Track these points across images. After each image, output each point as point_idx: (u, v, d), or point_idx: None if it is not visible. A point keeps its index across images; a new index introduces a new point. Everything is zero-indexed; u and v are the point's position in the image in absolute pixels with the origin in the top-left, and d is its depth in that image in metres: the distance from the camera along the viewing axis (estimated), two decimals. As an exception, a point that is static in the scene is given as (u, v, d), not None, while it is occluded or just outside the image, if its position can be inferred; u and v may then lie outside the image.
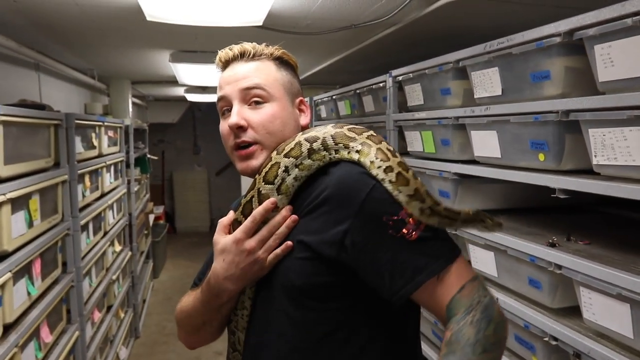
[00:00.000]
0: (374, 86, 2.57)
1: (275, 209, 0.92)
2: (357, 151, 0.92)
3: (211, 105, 7.12)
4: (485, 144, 1.65)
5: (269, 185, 0.93)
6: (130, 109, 4.75)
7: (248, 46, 1.01)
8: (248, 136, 0.96)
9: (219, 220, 0.99)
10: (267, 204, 0.91)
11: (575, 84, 1.32)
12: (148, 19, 1.89)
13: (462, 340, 0.77)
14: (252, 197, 0.94)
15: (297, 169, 0.93)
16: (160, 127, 7.88)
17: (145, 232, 5.18)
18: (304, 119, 1.05)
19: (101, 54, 3.22)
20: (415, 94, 2.15)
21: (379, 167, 0.89)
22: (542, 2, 1.75)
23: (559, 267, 1.31)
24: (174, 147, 8.73)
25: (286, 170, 0.93)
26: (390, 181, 0.86)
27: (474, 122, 1.68)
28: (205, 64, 3.16)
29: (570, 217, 1.83)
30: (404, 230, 0.82)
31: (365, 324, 0.89)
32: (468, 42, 1.84)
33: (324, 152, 0.93)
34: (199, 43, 2.85)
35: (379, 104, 2.63)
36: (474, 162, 1.79)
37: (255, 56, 1.00)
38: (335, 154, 0.93)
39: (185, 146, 8.82)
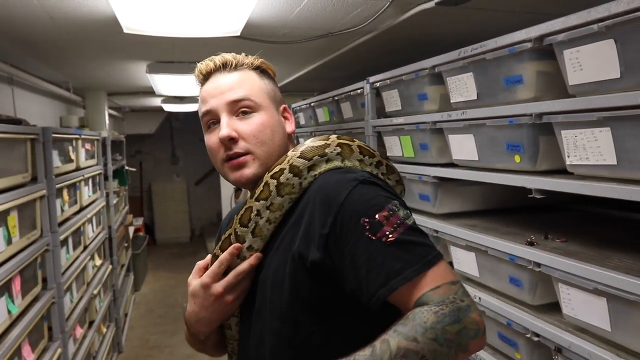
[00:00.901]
0: (351, 93, 2.61)
1: (250, 248, 0.95)
2: (338, 154, 0.94)
3: (188, 115, 7.08)
4: (463, 147, 1.69)
5: (244, 228, 0.95)
6: (107, 121, 4.70)
7: (229, 57, 1.01)
8: (240, 147, 0.96)
9: (197, 263, 1.01)
10: (232, 249, 0.94)
11: (547, 87, 1.37)
12: (125, 31, 1.88)
13: (418, 319, 0.74)
14: (230, 234, 0.97)
15: (268, 211, 0.94)
16: (138, 138, 7.80)
17: (126, 244, 5.12)
18: (290, 126, 1.05)
19: (77, 66, 3.19)
20: (393, 100, 2.18)
21: (370, 164, 0.95)
22: (512, 9, 1.81)
23: (538, 265, 1.35)
24: (152, 157, 8.64)
25: (258, 214, 0.94)
26: (382, 174, 0.92)
27: (451, 126, 1.72)
28: (182, 75, 3.15)
29: (546, 216, 1.89)
30: (380, 233, 0.80)
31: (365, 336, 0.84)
32: (443, 48, 1.89)
33: (295, 179, 0.93)
34: (176, 53, 2.85)
35: (357, 110, 2.66)
36: (452, 165, 1.83)
37: (237, 66, 1.00)
38: (310, 171, 0.94)
39: (163, 157, 8.74)
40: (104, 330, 3.72)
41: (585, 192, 1.18)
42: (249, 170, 0.97)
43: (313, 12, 1.98)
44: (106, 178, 4.14)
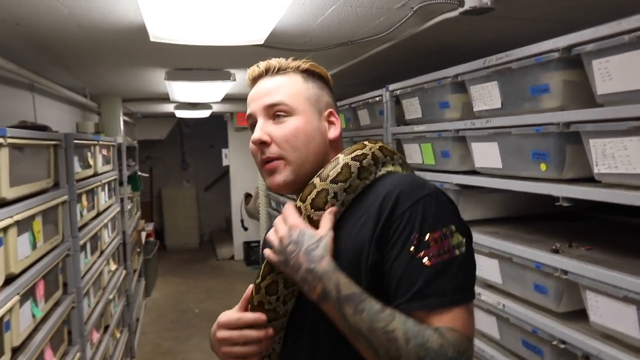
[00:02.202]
0: (369, 100, 2.63)
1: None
2: (400, 164, 0.99)
3: (199, 121, 7.14)
4: (486, 155, 1.70)
5: (319, 212, 0.92)
6: (122, 127, 4.75)
7: (273, 62, 1.02)
8: (271, 152, 0.97)
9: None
10: (259, 318, 0.93)
11: (573, 96, 1.38)
12: (152, 39, 1.92)
13: (426, 334, 0.76)
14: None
15: (345, 194, 0.94)
16: (148, 143, 7.85)
17: (138, 250, 5.15)
18: (333, 132, 1.02)
19: (95, 73, 3.24)
20: (413, 108, 2.20)
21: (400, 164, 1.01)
22: (535, 18, 1.83)
23: (565, 272, 1.36)
24: (162, 163, 8.69)
25: (335, 196, 0.93)
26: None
27: (474, 135, 1.73)
28: (199, 81, 3.19)
29: (568, 224, 1.90)
30: (424, 253, 0.82)
31: None
32: (463, 56, 1.91)
33: (373, 168, 0.95)
34: (195, 60, 2.88)
35: (375, 118, 2.68)
36: (474, 172, 1.84)
37: (279, 71, 1.01)
38: (383, 166, 0.96)
39: (174, 162, 8.79)
40: (118, 335, 3.74)
41: (614, 200, 1.19)
42: (280, 177, 0.97)
43: (336, 21, 2.01)
44: (121, 183, 4.18)
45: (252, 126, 1.02)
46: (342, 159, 0.94)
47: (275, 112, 0.98)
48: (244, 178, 7.11)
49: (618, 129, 1.17)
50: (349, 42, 2.35)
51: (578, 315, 1.44)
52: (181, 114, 5.80)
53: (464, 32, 2.06)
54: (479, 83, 1.69)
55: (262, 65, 1.02)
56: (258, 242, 6.76)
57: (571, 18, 1.89)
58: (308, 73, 1.03)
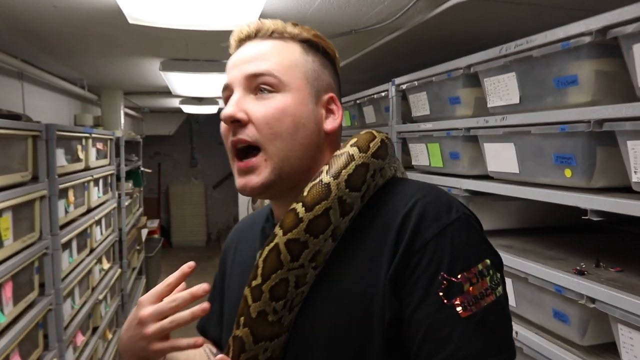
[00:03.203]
0: (375, 96, 2.42)
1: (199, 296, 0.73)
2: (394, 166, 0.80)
3: (209, 117, 6.99)
4: (501, 157, 1.48)
5: (355, 193, 0.71)
6: (123, 121, 4.60)
7: (268, 22, 0.79)
8: (246, 134, 0.74)
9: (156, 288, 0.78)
10: (198, 290, 0.71)
11: (607, 90, 1.16)
12: (130, 21, 1.73)
13: None
14: (327, 207, 0.69)
15: (379, 175, 0.75)
16: (157, 139, 7.74)
17: (138, 247, 5.00)
18: (331, 122, 0.79)
19: (87, 62, 3.07)
20: (420, 104, 1.99)
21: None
22: (562, 4, 1.60)
23: (592, 300, 1.14)
24: (170, 159, 8.57)
25: (373, 175, 0.73)
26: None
27: (487, 134, 1.51)
28: (197, 73, 3.01)
29: (595, 239, 1.66)
30: (457, 301, 0.63)
31: None
32: (477, 49, 1.69)
33: (385, 169, 0.76)
34: (191, 51, 2.70)
35: (381, 115, 2.47)
36: (486, 177, 1.62)
37: (274, 34, 0.78)
38: (389, 168, 0.78)
39: (182, 159, 8.66)
40: (110, 336, 3.58)
41: (658, 216, 0.97)
42: (257, 179, 0.74)
43: (335, 5, 1.80)
44: (118, 179, 4.02)
45: (227, 100, 0.79)
46: (357, 154, 0.72)
47: (258, 85, 0.75)
48: (251, 176, 6.94)
49: (665, 128, 0.94)
50: (352, 30, 2.14)
51: (606, 350, 1.22)
52: (187, 109, 5.65)
53: (476, 20, 1.84)
54: (495, 75, 1.47)
55: (253, 25, 0.79)
56: (264, 242, 6.58)
57: (597, 6, 1.66)
58: (310, 44, 0.80)
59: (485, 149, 1.55)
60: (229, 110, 0.74)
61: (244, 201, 7.20)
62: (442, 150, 1.82)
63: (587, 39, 1.11)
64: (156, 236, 6.51)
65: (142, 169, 5.36)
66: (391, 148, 0.79)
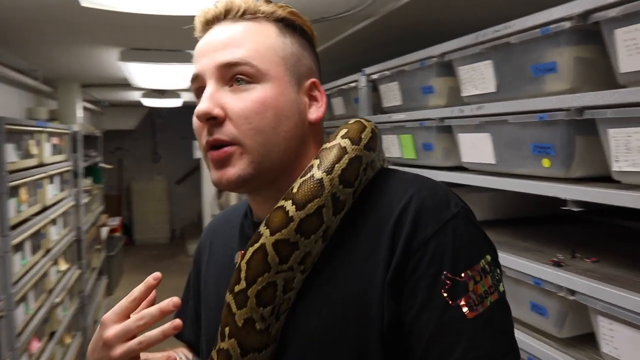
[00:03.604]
0: (344, 86, 2.36)
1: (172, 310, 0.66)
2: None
3: (171, 111, 6.79)
4: (476, 148, 1.45)
5: (349, 189, 0.65)
6: (81, 114, 4.40)
7: (237, 1, 0.70)
8: (224, 132, 0.67)
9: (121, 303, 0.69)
10: (167, 306, 0.64)
11: (586, 77, 1.13)
12: (83, 4, 1.61)
13: None
14: (320, 205, 0.63)
15: (370, 168, 0.69)
16: (118, 134, 7.48)
17: (98, 246, 4.81)
18: (315, 111, 0.72)
19: (42, 52, 2.90)
20: (392, 94, 1.94)
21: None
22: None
23: (572, 292, 1.11)
24: (132, 155, 8.32)
25: (365, 169, 0.67)
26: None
27: (462, 124, 1.48)
28: (160, 63, 2.88)
29: (568, 229, 1.66)
30: (463, 301, 0.59)
31: None
32: (450, 37, 1.65)
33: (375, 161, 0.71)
34: (153, 40, 2.58)
35: (350, 106, 2.42)
36: (460, 168, 1.59)
37: (245, 14, 0.70)
38: (381, 154, 0.75)
39: (145, 154, 8.42)
40: (69, 340, 3.42)
41: (641, 205, 0.95)
42: (233, 171, 0.66)
43: (304, -10, 1.73)
44: (76, 175, 3.84)
45: (198, 92, 0.71)
46: (349, 147, 0.66)
47: (234, 75, 0.68)
48: (216, 171, 6.81)
49: (650, 115, 0.92)
50: (321, 18, 2.07)
51: (583, 342, 1.20)
52: (149, 102, 5.47)
53: (450, 7, 1.80)
54: (470, 63, 1.43)
55: (221, 4, 0.70)
56: (230, 238, 6.47)
57: None
58: (286, 23, 0.72)
59: (460, 140, 1.51)
60: (203, 106, 0.66)
61: (208, 197, 7.04)
62: (415, 141, 1.78)
63: (567, 24, 1.08)
64: (118, 234, 6.30)
65: (101, 164, 5.16)
66: (380, 138, 0.73)
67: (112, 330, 0.65)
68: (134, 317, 0.66)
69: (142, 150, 8.38)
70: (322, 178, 0.64)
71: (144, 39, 2.54)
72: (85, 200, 4.05)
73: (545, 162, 1.20)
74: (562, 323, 1.21)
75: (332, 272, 0.65)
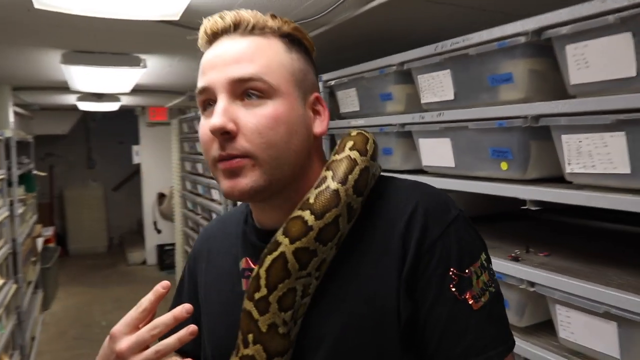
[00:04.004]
0: (300, 92, 2.39)
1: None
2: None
3: (107, 115, 6.54)
4: (436, 152, 1.53)
5: (360, 198, 0.70)
6: (12, 119, 4.14)
7: (246, 15, 0.72)
8: (237, 147, 0.68)
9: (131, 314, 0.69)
10: (181, 313, 0.66)
11: (539, 87, 1.24)
12: (36, 6, 1.54)
13: None
14: (337, 215, 0.67)
15: (373, 178, 0.74)
16: (48, 139, 7.07)
17: (34, 259, 4.54)
18: (320, 125, 0.75)
19: (-27, 53, 2.72)
20: (349, 100, 2.00)
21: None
22: (486, 7, 1.69)
23: (532, 284, 1.21)
24: (64, 161, 7.89)
25: (371, 178, 0.72)
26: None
27: (423, 129, 1.56)
28: (103, 67, 2.78)
29: (518, 226, 1.79)
30: (468, 295, 0.66)
31: None
32: (407, 45, 1.73)
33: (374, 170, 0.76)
34: (98, 42, 2.49)
35: (306, 112, 2.45)
36: (420, 171, 1.67)
37: (254, 29, 0.71)
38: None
39: (78, 160, 8.02)
40: (7, 360, 3.22)
41: (594, 204, 1.06)
42: (245, 181, 0.68)
43: (265, -1, 1.75)
44: (10, 184, 3.62)
45: (205, 104, 0.72)
46: (358, 158, 0.71)
47: (245, 90, 0.69)
48: (156, 177, 6.62)
49: (599, 122, 1.02)
50: (278, 25, 2.10)
51: (542, 329, 1.31)
52: (85, 106, 5.22)
53: (407, 18, 1.89)
54: (429, 72, 1.51)
55: (230, 16, 0.71)
56: (172, 245, 6.29)
57: (523, 9, 1.78)
58: (291, 39, 0.74)
59: (420, 144, 1.60)
60: (218, 121, 0.67)
61: (148, 204, 6.84)
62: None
63: (522, 39, 1.18)
64: (52, 245, 5.97)
65: (35, 172, 4.88)
66: (377, 147, 0.78)
67: (125, 342, 0.65)
68: (146, 327, 0.66)
69: (76, 155, 7.98)
70: (337, 189, 0.68)
71: (90, 41, 2.45)
72: (20, 210, 3.82)
73: (504, 165, 1.30)
74: (522, 313, 1.31)
75: (347, 276, 0.69)
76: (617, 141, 1.01)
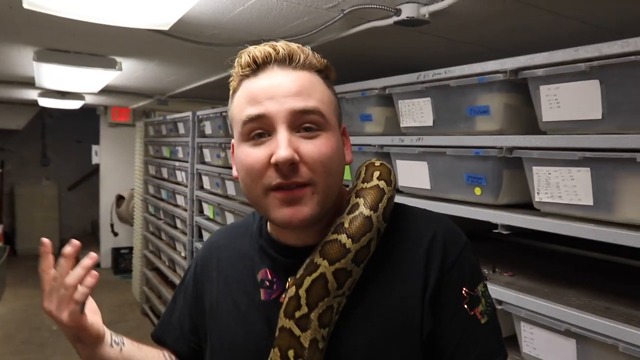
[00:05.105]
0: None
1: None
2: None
3: (66, 112, 6.35)
4: (413, 174, 1.62)
5: (386, 224, 0.78)
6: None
7: (296, 49, 0.76)
8: (301, 176, 0.72)
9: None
10: (88, 262, 0.77)
11: (513, 121, 1.35)
12: (25, 6, 1.53)
13: None
14: (370, 238, 0.75)
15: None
16: (1, 133, 6.80)
17: (-18, 258, 4.36)
18: (348, 155, 0.82)
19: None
20: (329, 118, 2.07)
21: None
22: (468, 41, 1.81)
23: (500, 302, 1.31)
24: (17, 157, 7.59)
25: (393, 205, 0.81)
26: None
27: (401, 152, 1.65)
28: (77, 67, 2.74)
29: (484, 246, 1.90)
30: (478, 311, 0.75)
31: None
32: (388, 70, 1.83)
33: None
34: (76, 42, 2.46)
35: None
36: (396, 191, 1.76)
37: (305, 65, 0.76)
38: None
39: (32, 157, 7.73)
40: (-48, 364, 3.07)
41: (559, 231, 1.17)
42: (307, 210, 0.72)
43: (254, 15, 1.81)
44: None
45: (253, 131, 0.74)
46: (386, 188, 0.79)
47: (304, 122, 0.73)
48: (115, 178, 6.48)
49: (568, 158, 1.13)
50: (260, 40, 2.13)
51: (506, 343, 1.41)
52: (46, 102, 5.07)
53: (388, 46, 1.99)
54: (410, 98, 1.61)
55: (283, 48, 0.75)
56: (129, 248, 6.17)
57: (502, 47, 1.91)
58: (325, 75, 0.79)
59: (398, 166, 1.68)
60: (286, 152, 0.70)
61: (106, 205, 6.66)
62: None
63: (500, 76, 1.29)
64: (0, 244, 5.73)
65: (-12, 168, 4.69)
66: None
67: (46, 303, 0.75)
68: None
69: (29, 152, 7.68)
70: (370, 215, 0.75)
71: (67, 41, 2.42)
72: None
73: (477, 190, 1.40)
74: (487, 329, 1.40)
75: (374, 294, 0.76)
76: (583, 176, 1.12)
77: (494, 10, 1.55)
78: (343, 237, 0.74)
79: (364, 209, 0.75)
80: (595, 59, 1.07)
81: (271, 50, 0.75)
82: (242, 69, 0.77)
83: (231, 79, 0.80)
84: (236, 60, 0.78)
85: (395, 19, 1.58)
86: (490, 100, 1.35)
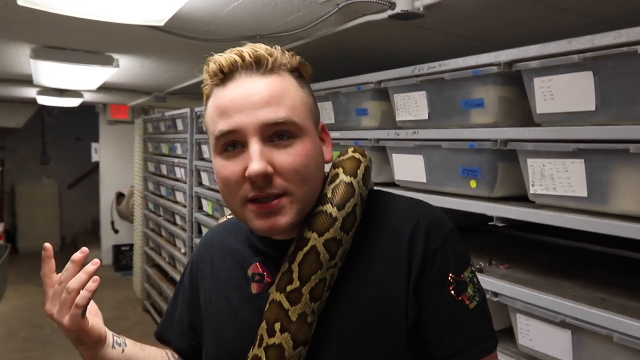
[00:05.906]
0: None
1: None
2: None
3: (65, 110, 6.35)
4: (409, 167, 1.62)
5: (366, 190, 0.81)
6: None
7: (262, 51, 0.74)
8: (276, 187, 0.71)
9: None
10: (92, 267, 0.78)
11: (507, 113, 1.35)
12: (20, 3, 1.53)
13: None
14: (355, 204, 0.77)
15: (369, 182, 0.83)
16: (0, 132, 6.81)
17: (-17, 256, 4.37)
18: (328, 152, 0.81)
19: None
20: (325, 112, 2.07)
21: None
22: (463, 34, 1.81)
23: (496, 294, 1.32)
24: (17, 155, 7.59)
25: (368, 180, 0.81)
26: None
27: (397, 146, 1.65)
28: (75, 64, 2.74)
29: (480, 239, 1.90)
30: (464, 295, 0.75)
31: None
32: (383, 64, 1.83)
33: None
34: (72, 39, 2.46)
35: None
36: (392, 184, 1.76)
37: (274, 68, 0.74)
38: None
39: (32, 155, 7.73)
40: (-46, 361, 3.09)
41: (554, 223, 1.17)
42: (285, 219, 0.72)
43: (249, 10, 1.80)
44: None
45: (226, 145, 0.74)
46: (361, 158, 0.81)
47: (276, 132, 0.72)
48: (115, 176, 6.49)
49: (562, 150, 1.13)
50: (257, 35, 2.15)
51: (501, 336, 1.41)
52: (45, 100, 5.07)
53: (383, 40, 1.98)
54: (405, 92, 1.60)
55: (249, 54, 0.73)
56: (130, 245, 6.18)
57: (497, 40, 1.91)
58: (299, 73, 0.78)
59: (394, 159, 1.68)
60: (258, 166, 0.69)
61: (106, 203, 6.67)
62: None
63: (495, 69, 1.29)
64: (1, 242, 5.75)
65: (-13, 166, 4.70)
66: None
67: (48, 306, 0.76)
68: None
69: (29, 150, 7.69)
70: (351, 182, 0.76)
71: (63, 38, 2.42)
72: (-27, 206, 3.68)
73: (473, 183, 1.40)
74: (484, 321, 1.41)
75: (358, 279, 0.77)
76: (577, 167, 1.12)
77: (489, 3, 1.55)
78: (328, 207, 0.75)
79: (343, 177, 0.77)
80: (588, 50, 1.07)
81: (237, 58, 0.73)
82: (210, 78, 0.76)
83: (203, 85, 0.79)
84: (204, 68, 0.77)
85: (390, 12, 1.57)
86: (484, 93, 1.35)
